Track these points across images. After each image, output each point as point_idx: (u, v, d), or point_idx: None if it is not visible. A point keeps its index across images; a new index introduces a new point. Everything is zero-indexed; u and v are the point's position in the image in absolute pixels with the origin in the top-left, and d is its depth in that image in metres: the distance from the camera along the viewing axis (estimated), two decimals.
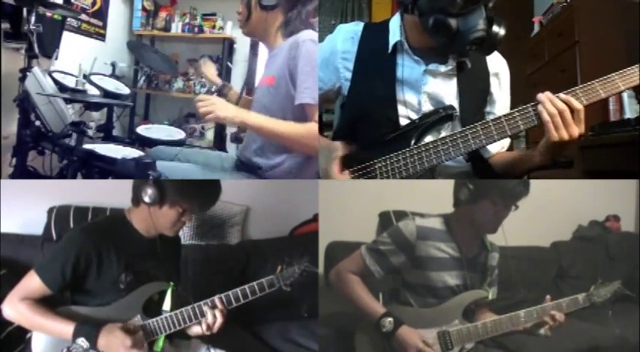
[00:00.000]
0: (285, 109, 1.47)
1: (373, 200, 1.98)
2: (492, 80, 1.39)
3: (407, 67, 1.32)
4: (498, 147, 1.41)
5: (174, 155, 1.77)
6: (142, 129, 2.53)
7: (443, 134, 1.27)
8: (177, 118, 3.94)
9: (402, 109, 1.32)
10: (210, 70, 1.98)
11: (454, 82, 1.34)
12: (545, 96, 1.15)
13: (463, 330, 1.31)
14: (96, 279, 1.24)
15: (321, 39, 1.45)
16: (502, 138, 1.21)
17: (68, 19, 3.05)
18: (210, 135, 3.72)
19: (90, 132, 1.97)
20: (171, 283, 1.30)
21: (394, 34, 1.33)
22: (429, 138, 1.27)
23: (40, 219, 1.86)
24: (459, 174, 1.36)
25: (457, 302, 1.33)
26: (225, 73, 3.70)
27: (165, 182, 1.29)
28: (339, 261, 1.42)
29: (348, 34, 1.38)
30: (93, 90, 2.59)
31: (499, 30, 1.20)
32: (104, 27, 3.57)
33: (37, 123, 2.11)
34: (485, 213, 1.32)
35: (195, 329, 1.29)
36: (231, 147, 3.14)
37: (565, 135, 1.13)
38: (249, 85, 2.57)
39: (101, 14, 3.52)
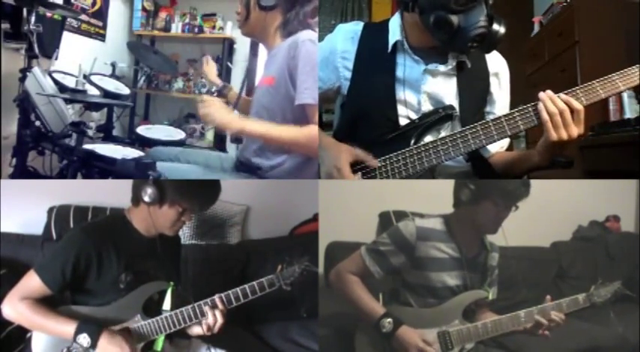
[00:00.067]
0: (285, 110, 1.46)
1: (373, 200, 1.97)
2: (492, 80, 1.39)
3: (407, 66, 1.32)
4: (497, 147, 1.41)
5: (174, 155, 1.78)
6: (142, 130, 2.53)
7: (442, 134, 1.27)
8: (177, 118, 3.94)
9: (401, 109, 1.32)
10: (211, 70, 1.98)
11: (454, 81, 1.34)
12: (546, 95, 1.15)
13: (463, 330, 1.31)
14: (96, 279, 1.24)
15: (321, 39, 1.45)
16: (502, 138, 1.21)
17: (68, 19, 3.06)
18: (210, 135, 3.72)
19: (90, 133, 1.97)
20: (172, 283, 1.30)
21: (394, 34, 1.33)
22: (428, 138, 1.27)
23: (40, 219, 1.86)
24: (459, 174, 1.36)
25: (457, 303, 1.33)
26: (225, 73, 3.70)
27: (165, 182, 1.29)
28: (339, 261, 1.42)
29: (347, 34, 1.39)
30: (93, 91, 2.59)
31: (499, 28, 1.21)
32: (104, 27, 3.57)
33: (37, 123, 2.11)
34: (486, 213, 1.32)
35: (196, 329, 1.29)
36: (231, 147, 3.14)
37: (564, 135, 1.13)
38: (248, 86, 2.58)
39: (101, 14, 3.52)
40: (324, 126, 1.45)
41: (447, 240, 1.35)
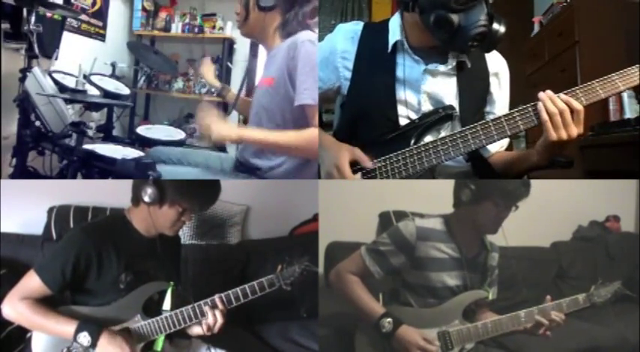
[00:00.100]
0: (285, 110, 1.46)
1: (373, 200, 1.97)
2: (492, 80, 1.39)
3: (407, 66, 1.32)
4: (497, 147, 1.41)
5: (174, 155, 1.77)
6: (142, 130, 2.53)
7: (442, 134, 1.27)
8: (177, 118, 3.94)
9: (401, 109, 1.32)
10: (208, 71, 1.97)
11: (454, 81, 1.34)
12: (545, 95, 1.15)
13: (463, 330, 1.31)
14: (96, 279, 1.24)
15: (321, 39, 1.45)
16: (502, 138, 1.21)
17: (68, 20, 3.06)
18: None
19: (90, 133, 1.97)
20: (172, 283, 1.30)
21: (394, 34, 1.33)
22: (428, 138, 1.27)
23: (40, 219, 1.86)
24: (459, 174, 1.36)
25: (457, 303, 1.33)
26: (225, 74, 3.70)
27: (165, 181, 1.29)
28: (339, 261, 1.42)
29: (347, 34, 1.38)
30: (93, 91, 2.59)
31: (500, 27, 1.21)
32: (104, 27, 3.57)
33: (37, 123, 2.11)
34: (486, 213, 1.32)
35: (196, 329, 1.29)
36: (231, 147, 3.14)
37: (564, 135, 1.13)
38: (248, 86, 2.57)
39: (101, 14, 3.52)
40: (324, 126, 1.44)
41: (447, 240, 1.35)
